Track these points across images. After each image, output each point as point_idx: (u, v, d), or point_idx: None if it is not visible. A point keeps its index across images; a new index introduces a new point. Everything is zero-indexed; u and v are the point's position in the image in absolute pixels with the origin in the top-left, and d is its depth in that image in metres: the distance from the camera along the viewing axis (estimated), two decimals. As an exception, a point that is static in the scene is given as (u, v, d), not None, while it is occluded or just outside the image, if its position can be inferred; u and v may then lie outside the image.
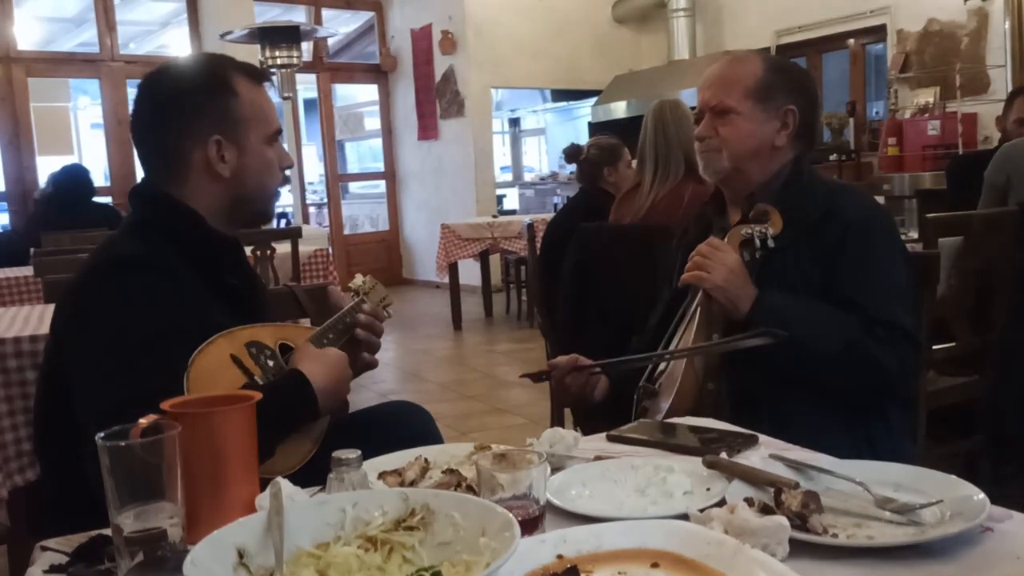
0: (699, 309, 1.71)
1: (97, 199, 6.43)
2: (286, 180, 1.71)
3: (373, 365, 1.74)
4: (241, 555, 0.85)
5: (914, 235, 3.29)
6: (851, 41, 8.06)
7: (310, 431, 1.50)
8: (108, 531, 0.90)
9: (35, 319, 2.52)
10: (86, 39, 9.51)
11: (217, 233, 1.60)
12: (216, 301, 1.56)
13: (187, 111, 1.58)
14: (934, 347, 2.35)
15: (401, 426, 1.66)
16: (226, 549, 0.85)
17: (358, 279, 1.85)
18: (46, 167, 7.89)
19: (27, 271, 4.25)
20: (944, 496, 1.02)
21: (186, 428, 0.92)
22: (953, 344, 2.52)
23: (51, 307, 2.43)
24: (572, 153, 4.22)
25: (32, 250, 4.53)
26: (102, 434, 0.88)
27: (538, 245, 4.12)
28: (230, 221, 1.65)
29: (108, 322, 1.41)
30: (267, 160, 1.62)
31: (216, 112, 1.57)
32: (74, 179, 6.02)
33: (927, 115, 6.97)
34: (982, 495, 1.00)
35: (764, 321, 1.61)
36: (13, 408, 2.19)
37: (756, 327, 1.60)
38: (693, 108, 1.92)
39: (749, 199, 1.78)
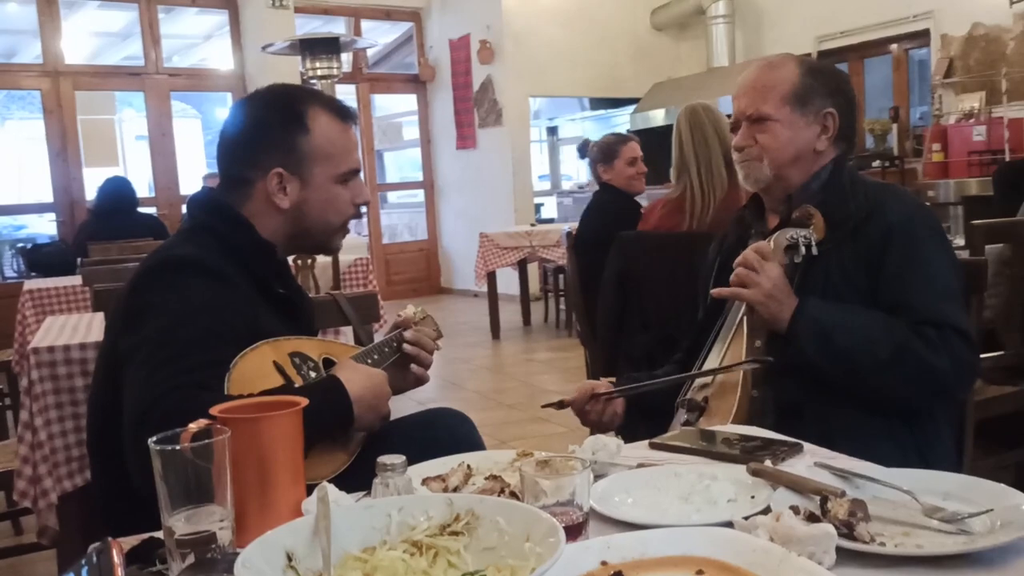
0: (744, 319, 1.70)
1: (142, 210, 6.56)
2: (359, 215, 1.73)
3: (423, 380, 1.75)
4: (290, 558, 0.86)
5: (960, 242, 3.24)
6: (894, 46, 7.96)
7: (345, 443, 1.50)
8: (160, 533, 0.92)
9: (84, 327, 2.57)
10: (131, 53, 9.68)
11: (266, 244, 1.63)
12: (266, 307, 1.60)
13: (255, 141, 1.63)
14: (982, 356, 2.31)
15: (444, 433, 1.66)
16: (275, 552, 0.86)
17: (410, 309, 1.87)
18: (92, 178, 8.05)
19: (76, 280, 4.34)
20: (994, 505, 1.00)
21: (235, 433, 0.94)
22: (1001, 353, 2.47)
23: (99, 316, 2.49)
24: (582, 149, 4.41)
25: (80, 260, 4.63)
26: (154, 438, 0.90)
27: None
28: (288, 247, 1.70)
29: (160, 317, 1.44)
30: (332, 196, 1.65)
31: (283, 146, 1.61)
32: (117, 191, 6.16)
33: (972, 120, 6.87)
34: (1034, 504, 0.99)
35: (805, 332, 1.59)
36: (63, 415, 2.24)
37: (796, 338, 1.60)
38: (730, 116, 1.89)
39: (787, 201, 1.76)
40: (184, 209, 8.47)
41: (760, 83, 1.77)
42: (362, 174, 1.75)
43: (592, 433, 1.37)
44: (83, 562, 0.87)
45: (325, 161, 1.63)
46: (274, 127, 1.62)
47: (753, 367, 1.64)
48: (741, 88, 1.80)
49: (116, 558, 0.85)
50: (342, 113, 1.67)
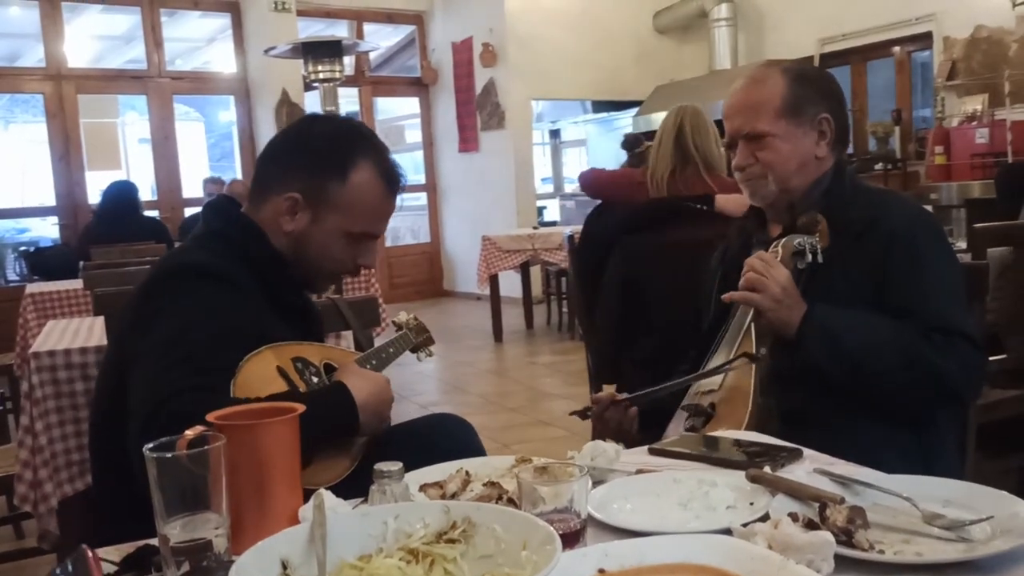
0: (749, 325, 1.69)
1: (145, 213, 6.58)
2: (354, 272, 1.73)
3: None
4: (285, 566, 0.86)
5: (962, 245, 3.24)
6: (896, 49, 7.96)
7: (348, 448, 1.50)
8: (155, 541, 0.92)
9: (84, 331, 2.57)
10: (134, 56, 9.70)
11: (279, 255, 1.63)
12: (274, 315, 1.60)
13: (294, 159, 1.63)
14: (984, 360, 2.30)
15: (443, 439, 1.66)
16: (270, 560, 0.86)
17: (403, 315, 1.90)
18: (95, 182, 8.07)
19: (77, 284, 4.34)
20: (995, 512, 0.99)
21: (231, 440, 0.93)
22: (1004, 356, 2.47)
23: (100, 320, 2.49)
24: (632, 142, 4.13)
25: (82, 263, 4.63)
26: (150, 446, 0.90)
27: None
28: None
29: (169, 321, 1.44)
30: (332, 245, 1.63)
31: (313, 179, 1.60)
32: (121, 195, 6.19)
33: (975, 123, 6.86)
34: (1034, 512, 0.98)
35: (814, 337, 1.58)
36: (63, 419, 2.24)
37: (805, 343, 1.59)
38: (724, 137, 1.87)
39: (789, 210, 1.75)
40: (186, 212, 8.48)
41: (750, 100, 1.74)
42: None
43: (610, 439, 1.35)
44: (57, 571, 0.85)
45: (346, 214, 1.61)
46: (318, 158, 1.61)
47: (744, 364, 1.63)
48: (731, 108, 1.77)
49: (92, 566, 0.84)
50: (390, 180, 1.65)
